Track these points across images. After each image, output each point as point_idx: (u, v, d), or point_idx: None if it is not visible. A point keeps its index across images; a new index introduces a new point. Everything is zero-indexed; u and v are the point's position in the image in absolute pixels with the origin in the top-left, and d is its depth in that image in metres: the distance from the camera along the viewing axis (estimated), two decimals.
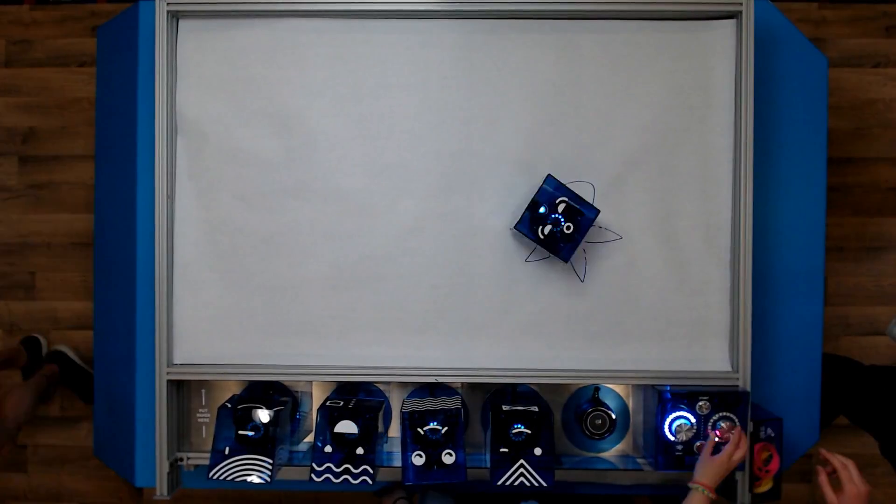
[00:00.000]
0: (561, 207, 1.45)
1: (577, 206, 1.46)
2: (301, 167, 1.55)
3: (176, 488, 1.59)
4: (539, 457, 1.41)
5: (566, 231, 1.45)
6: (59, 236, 2.49)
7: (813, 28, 2.42)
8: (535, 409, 1.44)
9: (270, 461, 1.42)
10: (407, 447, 1.41)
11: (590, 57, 1.53)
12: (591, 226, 1.47)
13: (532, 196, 1.47)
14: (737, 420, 1.44)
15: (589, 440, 1.59)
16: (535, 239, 1.47)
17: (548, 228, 1.45)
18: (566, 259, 1.47)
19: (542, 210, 1.46)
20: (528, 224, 1.47)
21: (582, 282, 1.55)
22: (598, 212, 1.46)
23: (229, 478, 1.42)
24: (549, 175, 1.47)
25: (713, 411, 1.44)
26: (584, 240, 1.53)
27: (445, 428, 1.41)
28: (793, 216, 1.67)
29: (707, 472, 1.36)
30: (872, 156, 2.41)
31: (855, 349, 2.42)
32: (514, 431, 1.42)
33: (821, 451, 1.38)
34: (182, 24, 1.55)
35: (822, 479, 1.35)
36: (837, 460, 1.34)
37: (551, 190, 1.47)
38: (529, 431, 1.42)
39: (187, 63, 1.55)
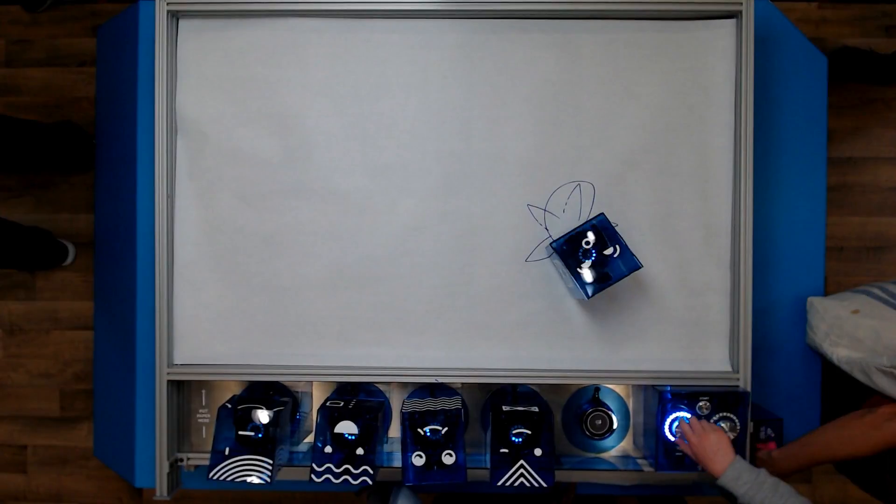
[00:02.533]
0: (609, 251, 1.43)
1: (627, 254, 1.43)
2: (301, 167, 1.55)
3: (176, 489, 1.59)
4: (539, 457, 1.41)
5: (601, 270, 1.42)
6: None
7: (813, 28, 2.42)
8: (536, 409, 1.44)
9: (270, 461, 1.42)
10: (407, 448, 1.41)
11: (590, 57, 1.53)
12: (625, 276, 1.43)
13: (581, 222, 1.46)
14: (737, 420, 1.44)
15: (589, 440, 1.59)
16: (569, 264, 1.43)
17: (587, 262, 1.43)
18: (588, 296, 1.43)
19: (586, 243, 1.43)
20: (565, 249, 1.44)
21: None
22: (640, 266, 1.43)
23: (229, 478, 1.42)
24: (602, 214, 1.45)
25: (713, 411, 1.44)
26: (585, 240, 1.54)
27: (446, 428, 1.41)
28: (793, 216, 1.67)
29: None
30: (872, 156, 2.41)
31: None
32: (514, 432, 1.42)
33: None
34: (182, 24, 1.55)
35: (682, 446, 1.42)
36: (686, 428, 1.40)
37: (601, 227, 1.44)
38: (529, 432, 1.42)
39: (187, 63, 1.55)
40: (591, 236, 1.44)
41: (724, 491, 1.32)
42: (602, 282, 1.42)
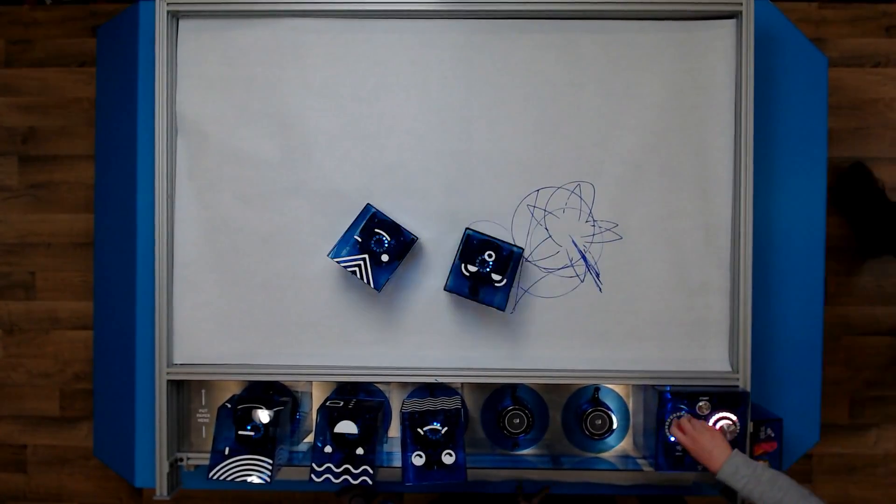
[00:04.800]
0: (490, 258, 1.44)
1: (504, 252, 1.44)
2: (301, 167, 1.55)
3: (176, 488, 1.59)
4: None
5: (495, 279, 1.43)
6: (59, 236, 2.49)
7: (813, 28, 2.42)
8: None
9: (270, 461, 1.42)
10: (407, 447, 1.41)
11: (590, 57, 1.53)
12: (521, 265, 1.44)
13: (455, 254, 1.46)
14: (737, 420, 1.44)
15: (589, 440, 1.59)
16: (470, 295, 1.45)
17: (480, 282, 1.44)
18: (502, 307, 1.44)
19: (469, 265, 1.44)
20: (460, 282, 1.44)
21: (582, 282, 1.55)
22: (522, 250, 1.44)
23: (229, 478, 1.42)
24: (466, 229, 1.46)
25: (713, 411, 1.44)
26: (585, 241, 1.54)
27: (445, 428, 1.41)
28: (793, 216, 1.67)
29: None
30: (872, 156, 2.41)
31: (855, 349, 2.42)
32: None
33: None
34: (182, 24, 1.55)
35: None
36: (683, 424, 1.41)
37: (474, 243, 1.45)
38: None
39: (187, 63, 1.55)
40: (468, 258, 1.44)
41: (725, 488, 1.32)
42: (503, 286, 1.43)
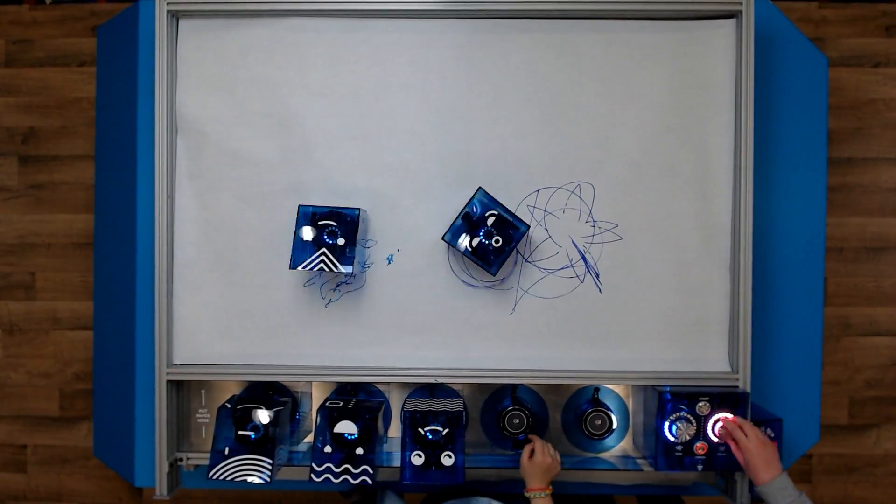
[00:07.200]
0: (490, 221, 1.45)
1: (509, 220, 1.45)
2: (301, 167, 1.55)
3: (176, 488, 1.59)
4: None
5: (495, 244, 1.45)
6: (59, 236, 2.49)
7: (813, 28, 2.42)
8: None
9: (270, 461, 1.42)
10: (407, 447, 1.41)
11: (590, 57, 1.53)
12: (522, 239, 1.46)
13: (463, 207, 1.47)
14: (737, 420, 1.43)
15: (589, 440, 1.59)
16: (464, 251, 1.46)
17: (475, 241, 1.45)
18: (494, 273, 1.47)
19: (473, 221, 1.46)
20: (457, 236, 1.46)
21: (581, 283, 1.55)
22: (528, 227, 1.46)
23: (229, 478, 1.42)
24: (479, 188, 1.46)
25: (713, 411, 1.44)
26: (585, 241, 1.54)
27: (446, 430, 1.41)
28: (793, 216, 1.67)
29: (533, 476, 1.42)
30: (872, 156, 2.41)
31: (855, 349, 2.42)
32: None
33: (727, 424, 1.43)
34: (182, 24, 1.55)
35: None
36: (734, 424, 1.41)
37: (484, 202, 1.47)
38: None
39: (187, 63, 1.55)
40: (473, 216, 1.46)
41: (727, 490, 1.33)
42: (499, 254, 1.46)
